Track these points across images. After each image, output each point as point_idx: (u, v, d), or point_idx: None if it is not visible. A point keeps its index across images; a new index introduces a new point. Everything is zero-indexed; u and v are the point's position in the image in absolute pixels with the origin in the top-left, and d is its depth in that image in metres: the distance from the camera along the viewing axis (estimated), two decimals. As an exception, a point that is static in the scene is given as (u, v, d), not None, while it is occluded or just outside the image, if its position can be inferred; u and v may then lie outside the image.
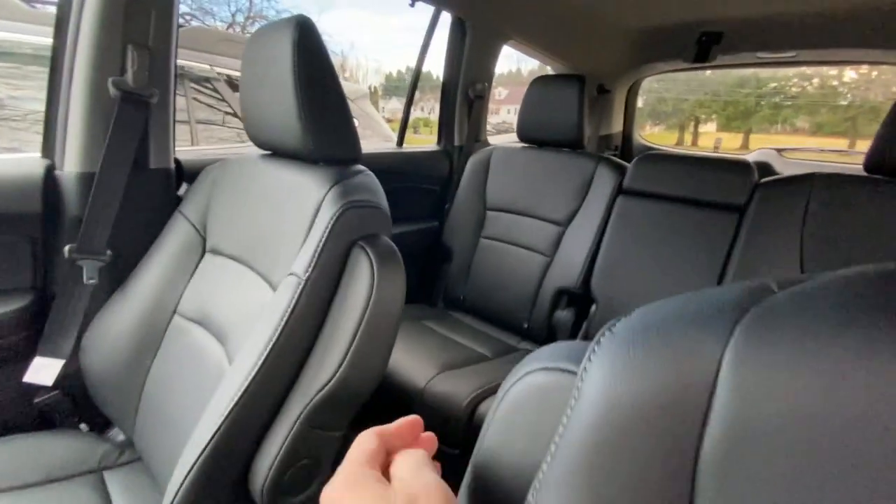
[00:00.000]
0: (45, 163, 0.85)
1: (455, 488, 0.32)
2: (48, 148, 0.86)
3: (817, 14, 1.38)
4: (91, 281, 0.83)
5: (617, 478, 0.22)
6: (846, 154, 2.36)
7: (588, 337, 1.23)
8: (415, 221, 1.57)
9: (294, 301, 0.55)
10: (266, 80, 0.69)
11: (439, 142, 1.69)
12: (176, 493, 0.55)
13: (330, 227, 0.58)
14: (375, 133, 2.75)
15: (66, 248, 0.81)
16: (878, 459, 0.18)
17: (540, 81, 1.39)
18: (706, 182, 1.12)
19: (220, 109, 2.22)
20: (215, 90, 2.10)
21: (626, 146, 2.47)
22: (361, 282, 0.56)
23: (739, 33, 1.58)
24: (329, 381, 0.54)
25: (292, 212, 0.66)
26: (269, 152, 0.81)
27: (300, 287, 0.55)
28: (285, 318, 0.55)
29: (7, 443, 0.78)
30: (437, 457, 0.35)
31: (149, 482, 0.76)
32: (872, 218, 0.92)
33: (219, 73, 2.09)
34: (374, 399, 0.64)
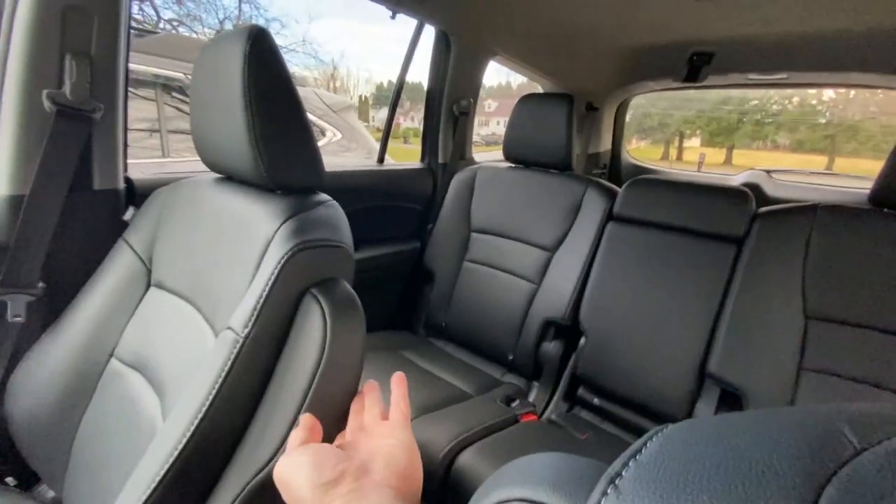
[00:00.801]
0: (-31, 183, 0.76)
1: None
2: (-26, 166, 0.77)
3: (809, 36, 1.35)
4: (17, 319, 0.73)
5: None
6: (835, 177, 2.35)
7: (577, 373, 1.16)
8: (395, 242, 1.49)
9: (231, 361, 0.47)
10: (215, 97, 0.61)
11: (423, 159, 1.63)
12: None
13: (276, 272, 0.49)
14: (361, 146, 2.68)
15: (-10, 281, 0.71)
16: None
17: (527, 100, 1.33)
18: (702, 211, 1.06)
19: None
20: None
21: (615, 165, 2.43)
22: (311, 338, 0.48)
23: (731, 54, 1.55)
24: (269, 461, 0.45)
25: (241, 248, 0.57)
26: (219, 176, 0.73)
27: (238, 345, 0.47)
28: (220, 382, 0.46)
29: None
30: None
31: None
32: (878, 251, 0.87)
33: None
34: None
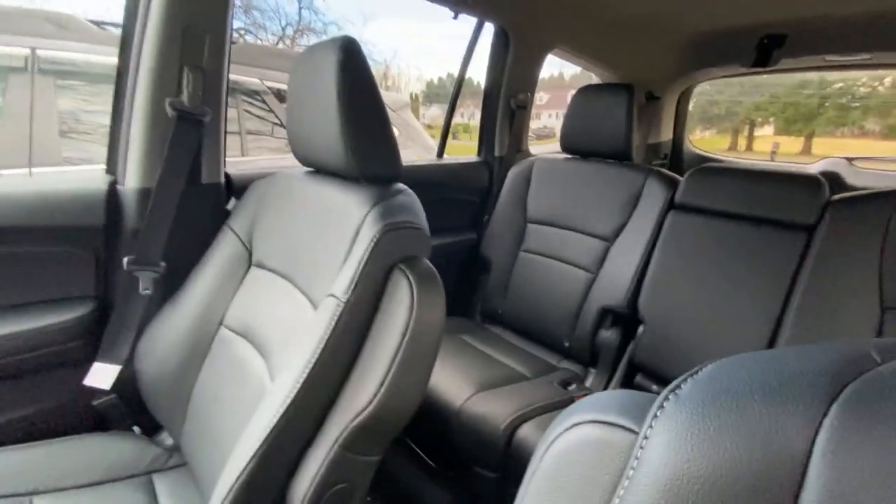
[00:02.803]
0: (108, 179, 0.91)
1: None
2: (111, 164, 0.92)
3: (894, 13, 1.26)
4: (146, 291, 0.87)
5: None
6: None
7: (635, 361, 1.17)
8: (453, 233, 1.55)
9: (333, 323, 0.55)
10: (311, 99, 0.70)
11: (480, 152, 1.68)
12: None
13: (370, 249, 0.57)
14: (416, 143, 2.77)
15: (125, 259, 0.85)
16: None
17: (586, 91, 1.35)
18: (769, 198, 1.04)
19: (269, 121, 2.31)
20: (265, 103, 2.18)
21: (677, 154, 2.35)
22: (401, 306, 0.55)
23: (805, 35, 1.47)
24: (366, 407, 0.53)
25: (333, 231, 0.66)
26: (312, 169, 0.82)
27: (339, 309, 0.55)
28: (324, 341, 0.55)
29: (65, 443, 0.82)
30: (473, 479, 0.36)
31: (193, 488, 0.79)
32: None
33: (268, 87, 2.17)
34: (412, 415, 0.62)
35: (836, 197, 0.99)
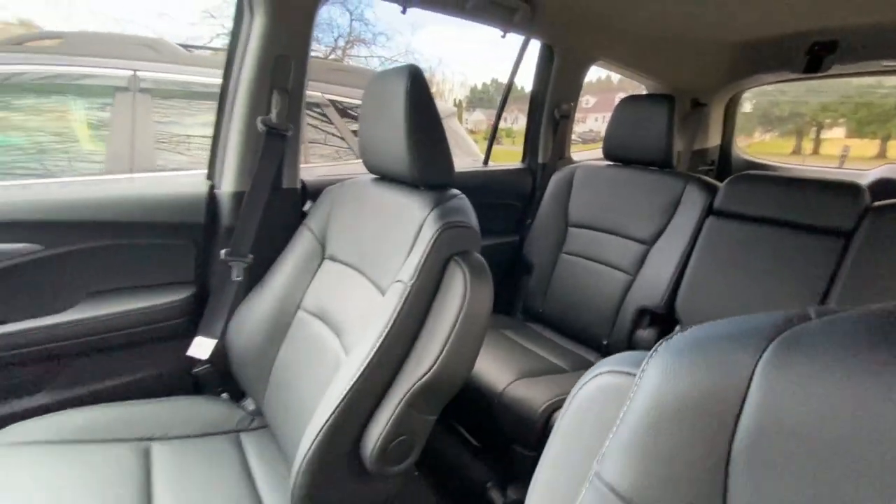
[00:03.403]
0: (208, 183, 1.08)
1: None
2: (211, 171, 1.09)
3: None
4: (238, 278, 1.03)
5: (660, 454, 0.29)
6: None
7: None
8: (497, 235, 1.65)
9: (401, 304, 0.67)
10: (382, 117, 0.82)
11: (524, 159, 1.77)
12: (304, 458, 0.68)
13: (431, 244, 0.69)
14: (463, 151, 2.89)
15: (222, 251, 1.01)
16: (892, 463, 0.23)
17: (628, 101, 1.41)
18: (807, 204, 1.07)
19: (323, 130, 2.51)
20: (324, 115, 2.37)
21: (725, 160, 2.33)
22: (456, 290, 0.66)
23: (859, 41, 1.46)
24: (427, 372, 0.64)
25: (398, 229, 0.78)
26: (377, 176, 0.95)
27: (406, 292, 0.67)
28: (393, 318, 0.67)
29: (171, 402, 0.99)
30: (512, 457, 0.44)
31: (275, 446, 0.93)
32: None
33: (329, 100, 2.36)
34: (458, 398, 0.72)
35: (878, 203, 1.01)
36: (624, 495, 0.30)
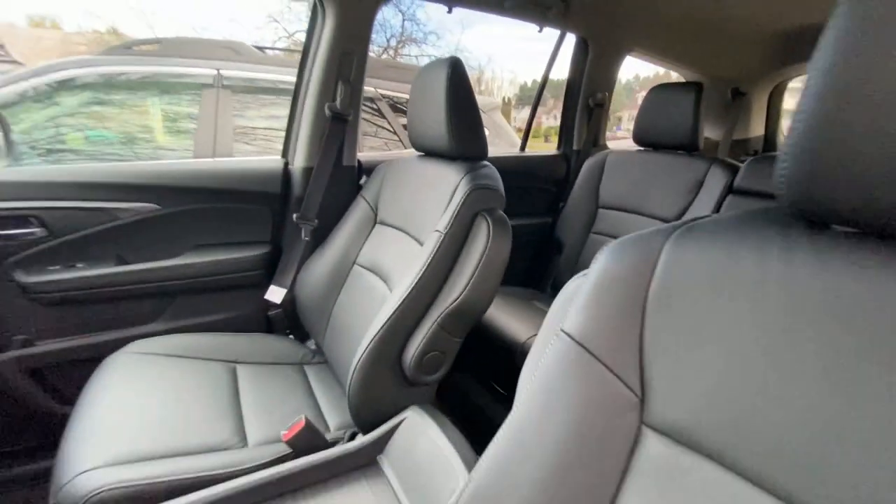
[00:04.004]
0: (283, 161, 1.30)
1: None
2: (286, 150, 1.31)
3: None
4: (306, 238, 1.24)
5: (601, 308, 0.44)
6: None
7: None
8: (530, 216, 1.78)
9: (436, 248, 0.83)
10: (427, 101, 0.99)
11: (560, 146, 1.89)
12: (356, 365, 0.86)
13: (462, 200, 0.85)
14: (503, 141, 3.02)
15: (294, 216, 1.23)
16: (744, 303, 0.37)
17: (657, 89, 1.50)
18: None
19: (375, 123, 2.72)
20: (377, 109, 2.59)
21: (769, 150, 2.32)
22: (481, 238, 0.82)
23: None
24: (455, 299, 0.80)
25: (437, 191, 0.95)
26: (421, 154, 1.12)
27: (440, 238, 0.83)
28: (430, 259, 0.83)
29: (250, 336, 1.21)
30: None
31: (332, 377, 1.12)
32: None
33: (382, 95, 2.57)
34: (486, 351, 0.87)
35: None
36: (578, 339, 0.45)
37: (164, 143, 2.47)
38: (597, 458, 0.43)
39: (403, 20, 8.81)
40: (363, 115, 2.60)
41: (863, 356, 0.31)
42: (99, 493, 0.67)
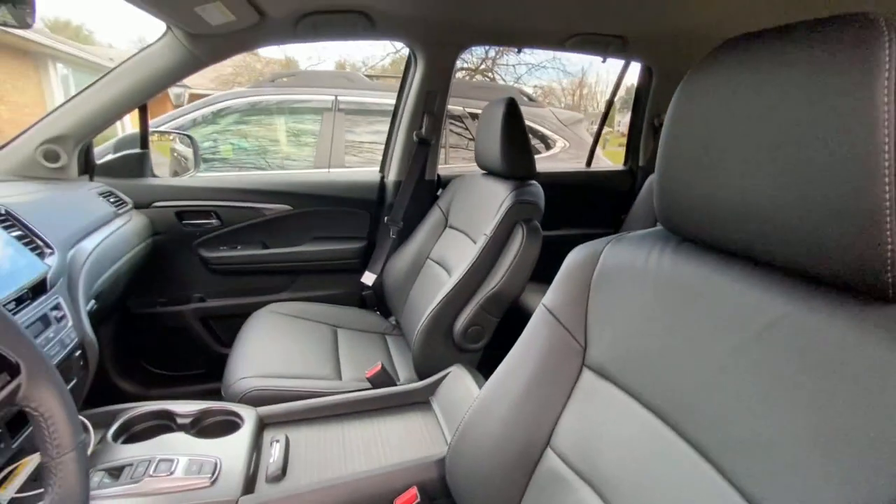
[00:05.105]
0: (380, 174, 1.65)
1: None
2: (382, 166, 1.67)
3: None
4: (393, 237, 1.57)
5: (563, 287, 0.67)
6: None
7: None
8: (595, 227, 1.94)
9: (483, 247, 1.10)
10: (489, 131, 1.25)
11: (626, 162, 2.02)
12: (418, 331, 1.16)
13: (506, 211, 1.10)
14: (586, 154, 3.14)
15: (385, 218, 1.57)
16: (639, 287, 0.58)
17: None
18: None
19: (465, 137, 3.04)
20: (465, 126, 2.90)
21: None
22: (517, 242, 1.06)
23: None
24: (494, 286, 1.06)
25: (490, 202, 1.21)
26: (484, 172, 1.39)
27: (487, 240, 1.09)
28: (477, 255, 1.10)
29: (347, 309, 1.57)
30: None
31: (405, 346, 1.43)
32: None
33: (469, 112, 2.88)
34: (514, 324, 1.08)
35: None
36: (549, 308, 0.68)
37: (288, 154, 3.06)
38: (551, 388, 0.66)
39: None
40: (452, 129, 2.95)
41: (701, 323, 0.50)
42: (251, 392, 1.04)
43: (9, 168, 1.20)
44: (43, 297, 0.77)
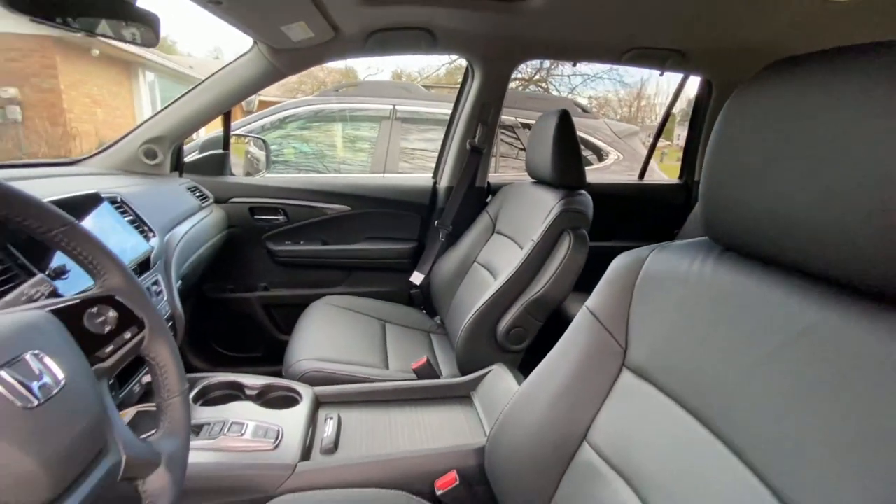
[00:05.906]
0: (432, 180, 1.74)
1: None
2: (436, 172, 1.75)
3: None
4: (442, 240, 1.65)
5: (610, 288, 0.70)
6: None
7: None
8: (644, 240, 1.92)
9: (530, 252, 1.14)
10: (541, 142, 1.29)
11: (681, 176, 1.98)
12: (462, 330, 1.21)
13: (554, 219, 1.13)
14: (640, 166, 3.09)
15: (436, 222, 1.65)
16: (681, 292, 0.61)
17: None
18: None
19: (515, 146, 3.08)
20: (517, 136, 2.95)
21: None
22: (563, 249, 1.10)
23: None
24: (539, 290, 1.10)
25: (539, 210, 1.25)
26: (534, 181, 1.43)
27: (534, 245, 1.14)
28: (524, 259, 1.14)
29: (396, 306, 1.65)
30: None
31: (449, 345, 1.49)
32: None
33: (521, 122, 2.93)
34: (556, 329, 1.11)
35: None
36: (591, 310, 0.72)
37: (343, 158, 3.23)
38: (590, 385, 0.69)
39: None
40: (503, 139, 3.00)
41: (739, 327, 0.52)
42: (309, 373, 1.14)
43: (115, 163, 1.39)
44: (147, 274, 0.90)
